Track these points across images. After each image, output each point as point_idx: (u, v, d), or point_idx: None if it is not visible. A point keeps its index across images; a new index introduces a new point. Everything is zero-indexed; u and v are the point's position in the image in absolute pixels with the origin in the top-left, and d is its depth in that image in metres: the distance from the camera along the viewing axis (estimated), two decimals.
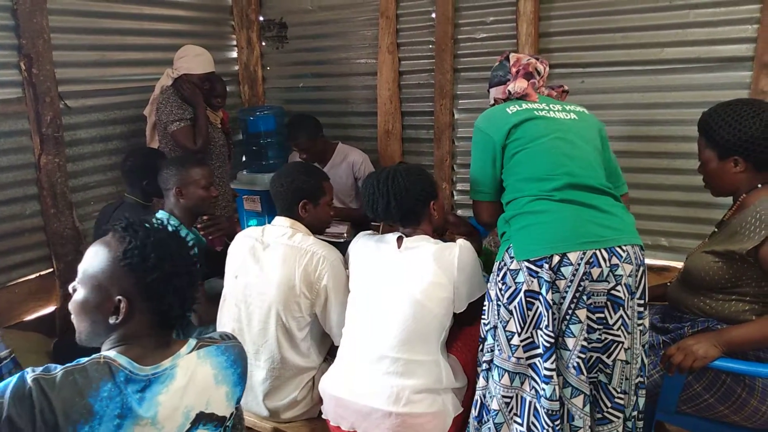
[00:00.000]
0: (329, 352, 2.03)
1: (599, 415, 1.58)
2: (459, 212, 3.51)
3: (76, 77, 2.94)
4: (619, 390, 1.57)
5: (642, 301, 1.59)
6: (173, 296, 1.16)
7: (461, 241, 1.80)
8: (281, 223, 1.97)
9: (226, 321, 1.97)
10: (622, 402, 1.57)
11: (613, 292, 1.53)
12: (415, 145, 3.56)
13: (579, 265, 1.51)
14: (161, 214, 2.22)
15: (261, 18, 3.90)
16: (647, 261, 2.87)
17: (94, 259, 1.17)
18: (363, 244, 1.92)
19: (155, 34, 3.35)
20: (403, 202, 1.80)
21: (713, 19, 2.64)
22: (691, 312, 1.74)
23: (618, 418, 1.57)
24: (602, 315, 1.54)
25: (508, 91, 1.85)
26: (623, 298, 1.53)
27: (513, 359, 1.57)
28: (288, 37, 3.84)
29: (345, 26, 3.60)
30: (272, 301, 1.86)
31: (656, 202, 2.90)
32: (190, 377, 1.16)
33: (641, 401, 1.62)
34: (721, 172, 1.73)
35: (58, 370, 1.06)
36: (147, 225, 1.20)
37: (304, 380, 1.94)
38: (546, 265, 1.52)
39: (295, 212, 1.98)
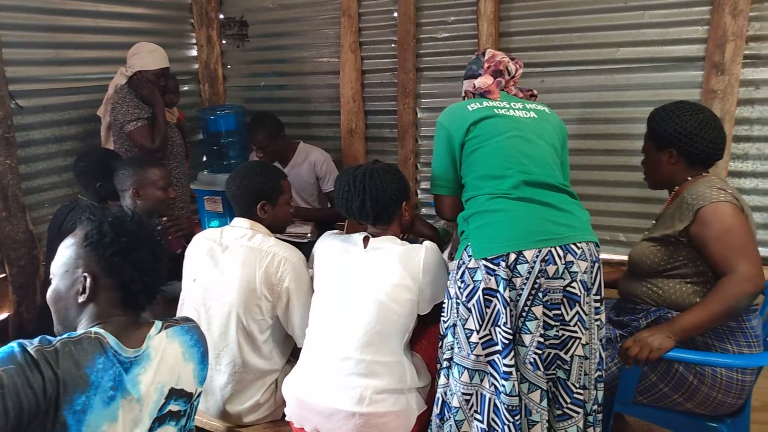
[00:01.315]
0: (292, 353, 2.02)
1: (559, 411, 1.61)
2: (423, 211, 3.53)
3: (29, 76, 2.84)
4: (578, 385, 1.60)
5: (598, 297, 1.62)
6: (133, 270, 1.22)
7: (427, 243, 1.81)
8: (240, 224, 1.95)
9: None
10: (581, 397, 1.60)
11: (568, 288, 1.56)
12: (379, 144, 3.56)
13: (535, 262, 1.53)
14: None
15: (221, 16, 3.84)
16: (606, 256, 2.98)
17: (64, 250, 1.26)
18: (328, 244, 1.90)
19: (112, 32, 3.25)
20: (378, 200, 1.79)
21: (666, 20, 2.72)
22: (642, 301, 1.80)
23: (578, 413, 1.60)
24: (559, 312, 1.56)
25: (474, 84, 1.87)
26: (579, 294, 1.57)
27: (472, 356, 1.58)
28: (249, 36, 3.80)
29: (307, 25, 3.58)
30: (232, 304, 1.84)
31: (614, 198, 2.97)
32: (162, 355, 1.24)
33: (600, 395, 1.66)
34: (657, 162, 1.85)
35: (55, 341, 1.10)
36: (105, 209, 1.26)
37: (266, 383, 1.92)
38: (503, 263, 1.54)
39: (254, 213, 1.95)
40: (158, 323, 1.28)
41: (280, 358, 1.96)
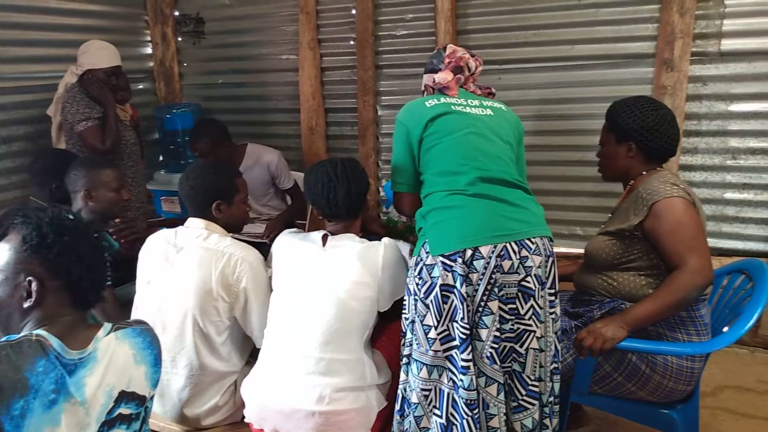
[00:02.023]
0: (252, 354, 1.99)
1: (515, 404, 1.63)
2: (384, 208, 3.53)
3: None
4: (533, 378, 1.62)
5: (553, 291, 1.65)
6: (80, 267, 1.20)
7: (386, 240, 1.81)
8: (195, 224, 1.91)
9: None
10: (536, 389, 1.63)
11: (523, 283, 1.58)
12: (340, 142, 3.56)
13: (490, 258, 1.55)
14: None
15: (176, 13, 3.77)
16: (565, 249, 3.04)
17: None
18: (287, 243, 1.89)
19: (62, 29, 3.16)
20: (359, 190, 1.81)
21: (618, 18, 2.78)
22: (598, 293, 1.83)
23: (533, 405, 1.63)
24: (514, 306, 1.59)
25: (434, 79, 1.88)
26: (533, 288, 1.59)
27: (431, 352, 1.59)
28: (205, 33, 3.74)
29: (264, 22, 3.54)
30: (188, 306, 1.80)
31: (571, 193, 3.03)
32: (111, 357, 1.21)
33: (557, 386, 1.69)
34: (615, 155, 1.88)
35: None
36: (39, 209, 1.23)
37: (225, 385, 1.89)
38: (459, 259, 1.55)
39: (209, 213, 1.92)
40: (108, 325, 1.25)
41: (238, 360, 1.93)
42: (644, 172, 1.84)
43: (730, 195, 2.80)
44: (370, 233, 2.20)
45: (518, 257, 1.57)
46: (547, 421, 1.68)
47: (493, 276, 1.55)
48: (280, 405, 1.70)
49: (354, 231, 1.86)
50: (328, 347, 1.69)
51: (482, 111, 1.81)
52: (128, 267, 2.09)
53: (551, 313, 1.64)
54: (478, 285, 1.55)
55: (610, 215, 1.93)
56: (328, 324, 1.70)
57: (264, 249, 2.02)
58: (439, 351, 1.59)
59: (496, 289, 1.56)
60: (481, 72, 1.96)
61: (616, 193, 2.78)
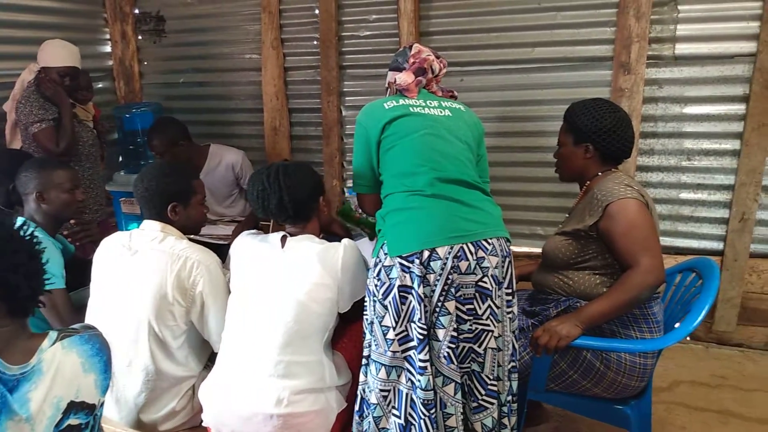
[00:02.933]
0: (210, 358, 1.96)
1: (475, 404, 1.64)
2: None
3: None
4: (491, 377, 1.64)
5: (510, 290, 1.67)
6: (16, 275, 1.13)
7: (346, 241, 1.80)
8: (150, 227, 1.88)
9: None
10: (495, 389, 1.65)
11: (480, 283, 1.60)
12: (304, 143, 3.54)
13: (447, 259, 1.56)
14: (19, 221, 2.04)
15: (136, 11, 3.70)
16: (526, 249, 3.08)
17: None
18: (245, 245, 1.87)
19: (17, 26, 3.07)
20: (296, 197, 1.77)
21: (577, 21, 2.83)
22: (554, 292, 1.86)
23: (492, 404, 1.64)
24: (471, 306, 1.60)
25: (395, 79, 1.88)
26: (491, 289, 1.61)
27: (389, 353, 1.60)
28: (166, 31, 3.68)
29: (226, 20, 3.50)
30: (143, 311, 1.77)
31: (532, 193, 3.07)
32: (57, 368, 1.16)
33: (515, 385, 1.71)
34: (573, 155, 1.91)
35: None
36: None
37: (182, 389, 1.86)
38: (417, 261, 1.56)
39: (165, 216, 1.89)
40: (53, 334, 1.20)
41: (196, 364, 1.91)
42: (600, 173, 1.88)
43: (685, 195, 2.87)
44: (330, 234, 2.19)
45: (475, 258, 1.59)
46: (505, 420, 1.70)
47: (450, 277, 1.56)
48: (239, 408, 1.68)
49: (313, 232, 1.84)
50: (287, 349, 1.68)
51: (441, 112, 1.82)
52: (83, 270, 2.04)
53: (508, 313, 1.66)
54: (435, 285, 1.57)
55: (566, 215, 1.97)
56: (287, 326, 1.69)
57: (224, 251, 2.00)
58: (398, 352, 1.60)
59: (453, 290, 1.57)
60: (445, 74, 1.97)
61: (575, 193, 2.85)
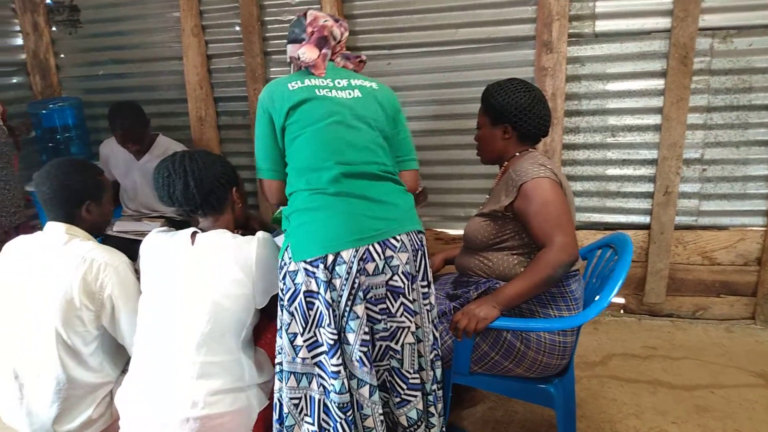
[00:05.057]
0: (128, 362, 1.89)
1: (398, 399, 1.61)
2: None
3: None
4: (412, 371, 1.61)
5: (425, 282, 1.64)
6: None
7: (260, 234, 1.74)
8: (54, 229, 1.78)
9: None
10: (417, 382, 1.62)
11: (391, 282, 1.56)
12: (233, 132, 3.44)
13: (353, 262, 1.51)
14: None
15: (48, 0, 3.50)
16: (460, 232, 3.08)
17: None
18: (154, 242, 1.78)
19: None
20: (203, 183, 1.68)
21: (499, 1, 2.81)
22: (475, 274, 1.86)
23: (415, 397, 1.61)
24: (384, 306, 1.56)
25: (298, 55, 1.72)
26: (402, 286, 1.57)
27: (298, 360, 1.56)
28: (81, 21, 3.49)
29: (143, 8, 3.35)
30: (49, 318, 1.68)
31: (465, 176, 3.07)
32: None
33: (438, 372, 1.69)
34: (491, 137, 1.90)
35: None
36: None
37: (98, 396, 1.79)
38: (321, 265, 1.51)
39: (75, 216, 1.80)
40: None
41: (112, 369, 1.83)
42: (517, 154, 1.88)
43: (611, 171, 2.92)
44: (248, 229, 2.13)
45: (383, 258, 1.55)
46: (432, 408, 1.68)
47: (357, 280, 1.52)
48: (154, 413, 1.62)
49: (226, 226, 1.78)
50: (201, 350, 1.62)
51: (349, 94, 1.71)
52: None
53: (425, 305, 1.64)
54: (342, 290, 1.52)
55: (487, 196, 1.96)
56: (200, 326, 1.62)
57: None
58: (307, 358, 1.56)
59: (361, 293, 1.53)
60: (371, 57, 1.90)
61: (492, 175, 2.88)
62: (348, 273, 1.51)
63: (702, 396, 2.36)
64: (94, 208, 1.83)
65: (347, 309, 1.52)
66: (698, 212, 2.88)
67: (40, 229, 3.15)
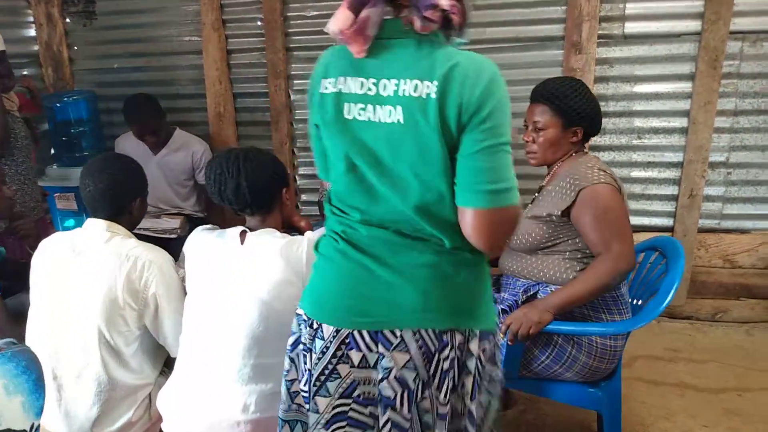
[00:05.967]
0: (166, 364, 1.85)
1: None
2: (304, 197, 3.43)
3: None
4: None
5: (444, 389, 1.16)
6: None
7: (309, 234, 1.71)
8: (95, 225, 1.73)
9: (35, 344, 1.70)
10: None
11: (381, 386, 1.16)
12: (252, 129, 3.39)
13: (330, 342, 1.17)
14: None
15: None
16: None
17: None
18: (201, 241, 1.74)
19: None
20: (255, 183, 1.64)
21: (528, 0, 2.80)
22: (523, 277, 1.84)
23: None
24: (374, 409, 1.19)
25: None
26: (391, 396, 1.14)
27: (294, 406, 1.37)
28: (97, 13, 3.42)
29: (161, 1, 3.29)
30: (92, 317, 1.64)
31: None
32: None
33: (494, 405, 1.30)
34: (561, 139, 1.82)
35: None
36: None
37: (138, 399, 1.75)
38: (307, 327, 1.24)
39: (118, 212, 1.76)
40: None
41: (151, 371, 1.79)
42: (573, 154, 1.84)
43: (636, 173, 2.93)
44: (292, 228, 2.09)
45: (376, 351, 1.15)
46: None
47: (333, 366, 1.17)
48: (202, 416, 1.58)
49: (274, 226, 1.74)
50: (252, 352, 1.58)
51: (389, 116, 1.09)
52: (19, 274, 1.88)
53: (441, 417, 1.17)
54: (313, 370, 1.21)
55: (536, 195, 1.93)
56: (251, 327, 1.59)
57: (175, 246, 1.87)
58: (303, 406, 1.34)
59: (342, 388, 1.18)
60: None
61: (536, 175, 2.85)
62: (322, 353, 1.18)
63: (729, 399, 2.37)
64: (142, 203, 1.82)
65: (311, 395, 1.23)
66: (721, 215, 2.89)
67: (51, 224, 3.13)
